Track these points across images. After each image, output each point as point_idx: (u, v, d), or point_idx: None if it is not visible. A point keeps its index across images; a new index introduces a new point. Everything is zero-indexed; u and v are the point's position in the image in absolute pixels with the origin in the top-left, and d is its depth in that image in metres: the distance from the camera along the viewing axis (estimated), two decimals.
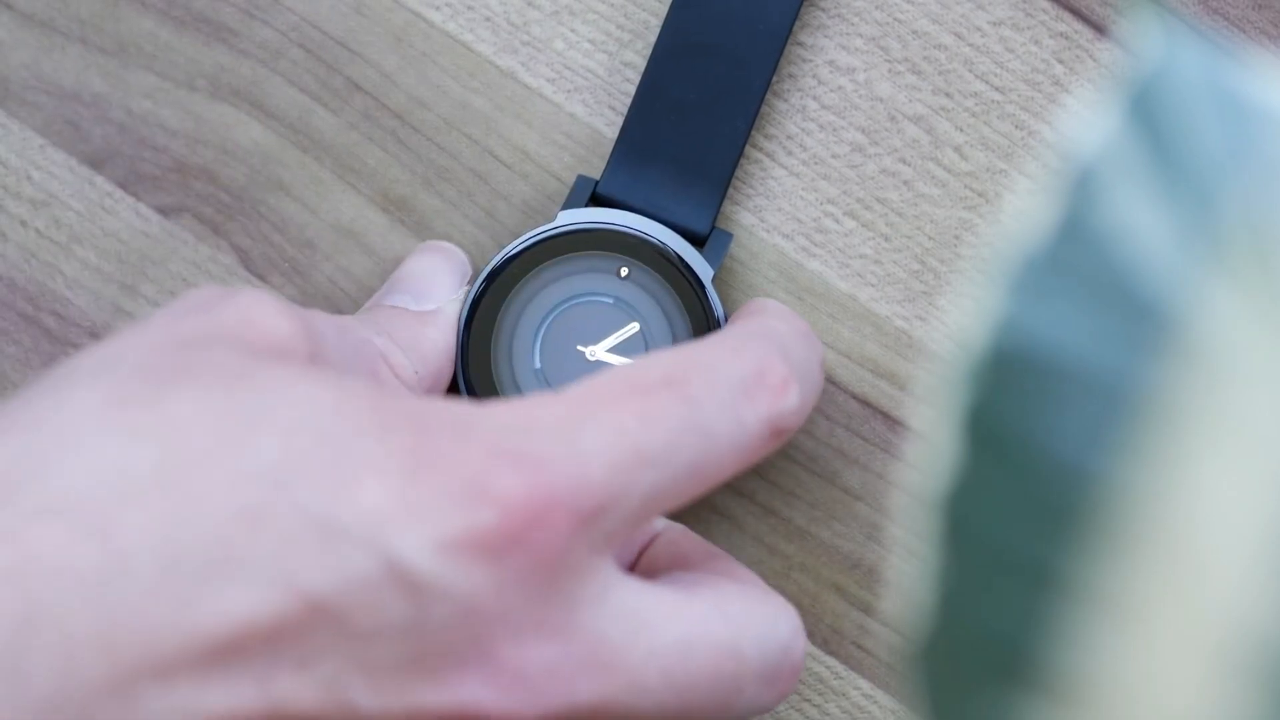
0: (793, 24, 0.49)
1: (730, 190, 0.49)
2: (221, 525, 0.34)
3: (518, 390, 0.48)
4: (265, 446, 0.35)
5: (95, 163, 0.50)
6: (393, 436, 0.36)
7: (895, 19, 0.50)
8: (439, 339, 0.47)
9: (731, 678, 0.39)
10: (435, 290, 0.47)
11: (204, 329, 0.38)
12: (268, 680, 0.34)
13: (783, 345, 0.41)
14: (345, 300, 0.50)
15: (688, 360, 0.40)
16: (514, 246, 0.48)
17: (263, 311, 0.39)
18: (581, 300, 0.48)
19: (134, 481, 0.34)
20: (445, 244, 0.49)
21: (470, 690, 0.36)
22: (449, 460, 0.36)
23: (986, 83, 0.50)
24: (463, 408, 0.38)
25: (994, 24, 0.50)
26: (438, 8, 0.50)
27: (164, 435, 0.35)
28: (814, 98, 0.50)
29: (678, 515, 0.48)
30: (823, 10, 0.50)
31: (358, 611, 0.35)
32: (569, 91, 0.50)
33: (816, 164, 0.50)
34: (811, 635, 0.49)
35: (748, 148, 0.50)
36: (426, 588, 0.35)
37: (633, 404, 0.38)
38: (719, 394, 0.39)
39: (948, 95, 0.50)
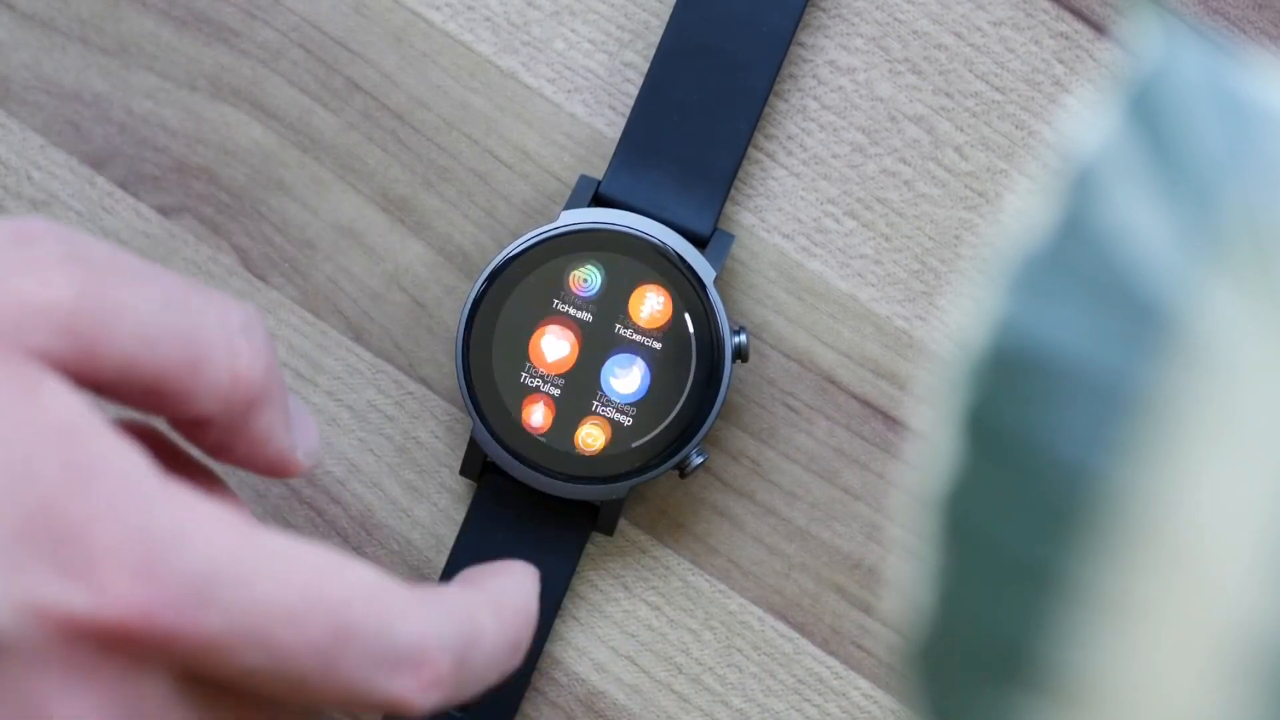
0: (796, 26, 0.49)
1: (731, 190, 0.49)
2: None
3: (518, 392, 0.48)
4: None
5: (96, 163, 0.50)
6: (29, 482, 0.36)
7: (896, 19, 0.50)
8: (284, 446, 0.42)
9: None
10: (308, 436, 0.44)
11: None
12: None
13: (469, 647, 0.40)
14: (346, 299, 0.50)
15: (375, 597, 0.38)
16: (515, 246, 0.48)
17: (29, 278, 0.38)
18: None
19: None
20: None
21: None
22: (76, 527, 0.36)
23: (987, 83, 0.50)
24: (140, 475, 0.37)
25: (994, 24, 0.50)
26: (438, 8, 0.50)
27: None
28: (814, 98, 0.50)
29: (675, 517, 0.48)
30: (823, 10, 0.50)
31: None
32: (569, 91, 0.50)
33: (817, 164, 0.50)
34: (811, 635, 0.49)
35: (748, 148, 0.49)
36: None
37: (294, 597, 0.37)
38: (372, 648, 0.38)
39: (948, 95, 0.50)
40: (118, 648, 0.36)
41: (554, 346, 0.48)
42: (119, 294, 0.37)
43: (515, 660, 0.41)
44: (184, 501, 0.37)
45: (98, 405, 0.37)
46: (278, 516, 0.50)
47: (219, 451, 0.41)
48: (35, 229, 0.38)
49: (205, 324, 0.39)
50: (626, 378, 0.48)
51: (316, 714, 0.41)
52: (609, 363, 0.48)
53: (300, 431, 0.42)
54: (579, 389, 0.48)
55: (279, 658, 0.37)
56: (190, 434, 0.40)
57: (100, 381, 0.38)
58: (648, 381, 0.48)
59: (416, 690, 0.38)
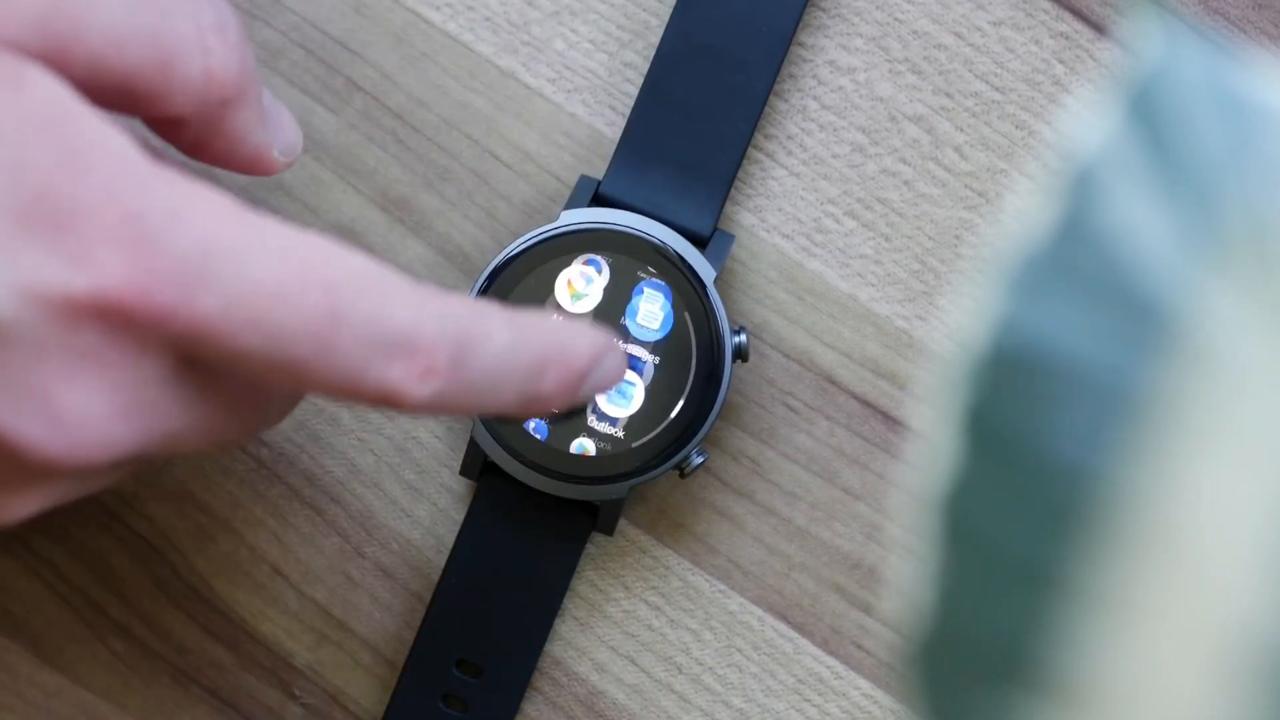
0: (796, 27, 0.49)
1: (730, 190, 0.49)
2: None
3: None
4: None
5: None
6: (21, 169, 0.36)
7: (895, 19, 0.50)
8: (259, 142, 0.42)
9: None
10: (285, 135, 0.44)
11: None
12: None
13: (469, 346, 0.39)
14: None
15: (370, 281, 0.38)
16: (515, 246, 0.48)
17: None
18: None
19: None
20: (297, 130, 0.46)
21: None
22: (71, 210, 0.36)
23: (987, 83, 0.50)
24: (131, 156, 0.37)
25: (994, 24, 0.50)
26: (438, 8, 0.50)
27: None
28: (814, 98, 0.50)
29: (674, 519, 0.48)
30: (823, 10, 0.50)
31: None
32: (569, 91, 0.50)
33: (817, 164, 0.50)
34: (811, 635, 0.49)
35: (748, 148, 0.49)
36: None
37: (288, 278, 0.37)
38: (366, 331, 0.38)
39: (948, 95, 0.50)
40: (116, 329, 0.36)
41: None
42: None
43: (543, 383, 0.40)
44: (178, 183, 0.37)
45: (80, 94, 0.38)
46: (278, 516, 0.50)
47: (195, 150, 0.41)
48: None
49: (176, 23, 0.39)
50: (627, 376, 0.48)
51: (296, 402, 0.42)
52: None
53: (277, 130, 0.43)
54: None
55: (274, 338, 0.37)
56: (166, 133, 0.41)
57: (72, 79, 0.38)
58: (648, 382, 0.48)
59: (411, 379, 0.38)
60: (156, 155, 0.39)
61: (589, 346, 0.41)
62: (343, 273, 0.38)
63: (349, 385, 0.38)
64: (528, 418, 0.47)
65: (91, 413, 0.37)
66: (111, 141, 0.37)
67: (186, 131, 0.40)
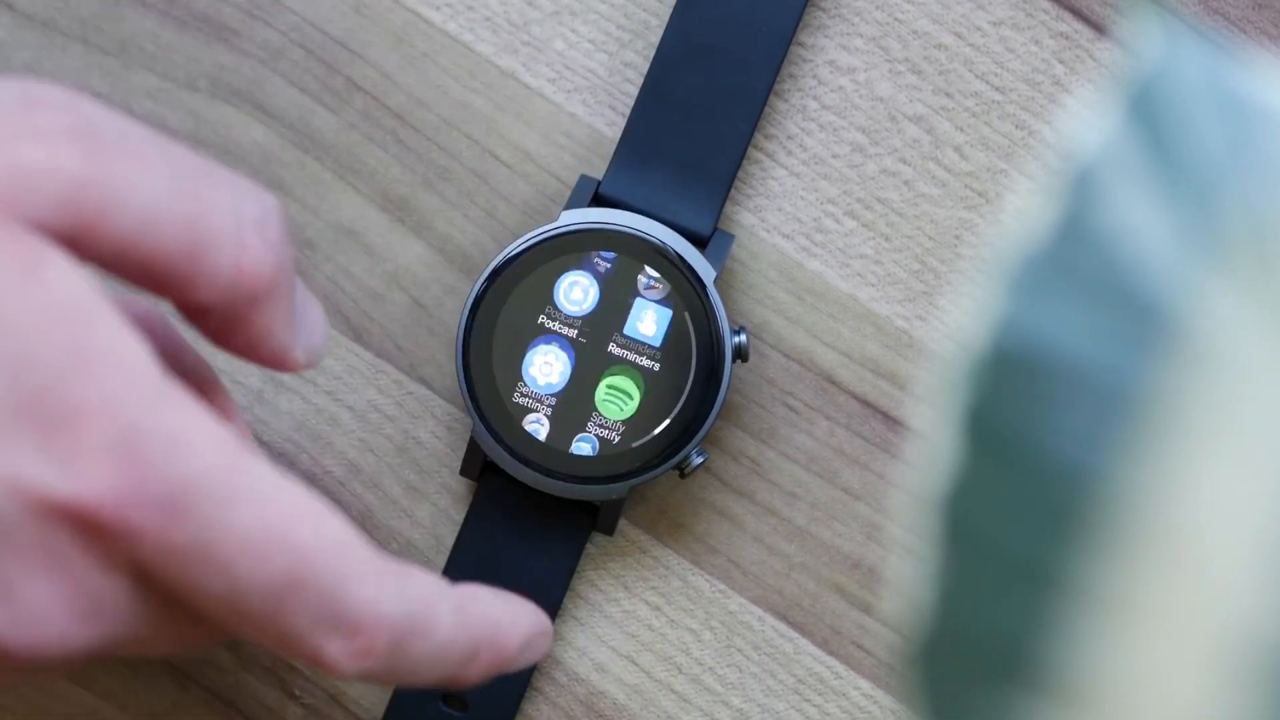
0: (796, 27, 0.49)
1: (730, 190, 0.49)
2: None
3: (518, 392, 0.48)
4: None
5: None
6: (30, 368, 0.36)
7: (896, 19, 0.50)
8: (285, 341, 0.41)
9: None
10: (314, 333, 0.42)
11: None
12: None
13: (415, 630, 0.39)
14: (346, 299, 0.50)
15: (340, 550, 0.38)
16: (515, 246, 0.48)
17: (35, 145, 0.37)
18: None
19: None
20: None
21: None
22: (71, 415, 0.36)
23: (987, 83, 0.50)
24: (144, 371, 0.36)
25: (994, 24, 0.50)
26: (438, 8, 0.50)
27: None
28: (814, 98, 0.50)
29: (682, 521, 0.48)
30: (823, 10, 0.50)
31: None
32: (569, 91, 0.50)
33: (817, 164, 0.50)
34: (812, 635, 0.49)
35: (748, 148, 0.49)
36: None
37: (266, 526, 0.37)
38: (320, 600, 0.38)
39: (948, 95, 0.50)
40: (88, 536, 0.36)
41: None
42: (126, 170, 0.37)
43: (470, 668, 0.41)
44: (181, 405, 0.36)
45: (103, 285, 0.37)
46: None
47: (217, 338, 0.40)
48: (46, 95, 0.37)
49: (215, 211, 0.38)
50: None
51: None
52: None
53: (305, 329, 0.41)
54: None
55: (232, 588, 0.37)
56: (189, 316, 0.40)
57: (98, 258, 0.37)
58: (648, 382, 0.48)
59: (344, 656, 0.38)
60: (169, 371, 0.38)
61: (523, 632, 0.42)
62: (314, 539, 0.37)
63: (284, 644, 0.38)
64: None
65: (52, 610, 0.36)
66: (125, 349, 0.36)
67: (209, 320, 0.39)
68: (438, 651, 0.40)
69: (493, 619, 0.41)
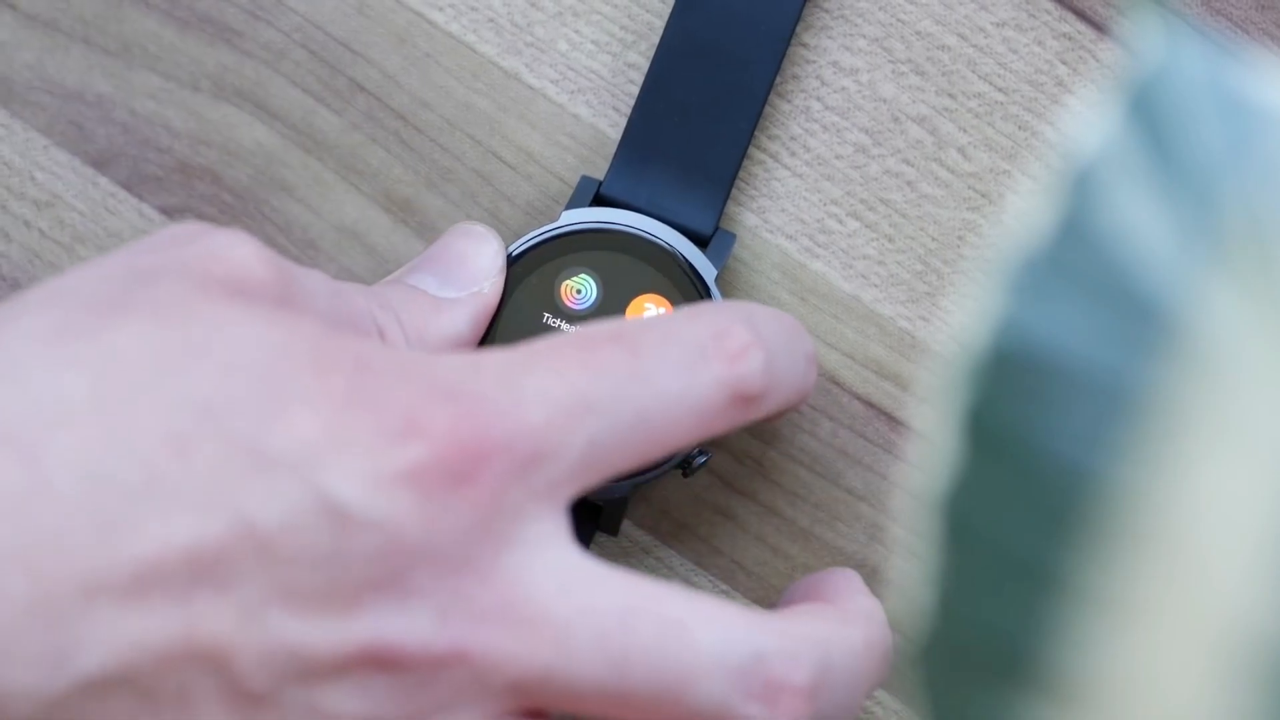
0: (795, 25, 0.49)
1: (733, 191, 0.49)
2: (150, 451, 0.34)
3: None
4: (199, 378, 0.35)
5: (99, 163, 0.50)
6: (331, 373, 0.36)
7: (899, 20, 0.50)
8: (450, 330, 0.44)
9: (679, 663, 0.37)
10: (462, 277, 0.45)
11: (163, 262, 0.38)
12: (187, 604, 0.34)
13: (750, 316, 0.40)
14: None
15: (641, 321, 0.39)
16: (516, 246, 0.48)
17: (235, 250, 0.38)
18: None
19: (66, 409, 0.35)
20: (482, 229, 0.47)
21: (382, 620, 0.35)
22: (385, 396, 0.36)
23: (990, 83, 0.50)
24: (408, 353, 0.38)
25: (997, 25, 0.50)
26: (441, 9, 0.50)
27: (100, 365, 0.35)
28: (817, 98, 0.50)
29: (667, 515, 0.48)
30: (826, 11, 0.50)
31: (283, 539, 0.35)
32: (573, 93, 0.50)
33: (820, 165, 0.50)
34: None
35: (751, 148, 0.49)
36: (353, 518, 0.35)
37: (578, 354, 0.38)
38: (670, 351, 0.38)
39: (951, 96, 0.50)
40: (473, 478, 0.36)
41: None
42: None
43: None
44: (450, 358, 0.37)
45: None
46: None
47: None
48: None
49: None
50: None
51: None
52: None
53: (464, 278, 0.45)
54: None
55: (609, 427, 0.37)
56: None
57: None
58: None
59: (737, 359, 0.39)
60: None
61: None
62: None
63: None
64: None
65: None
66: (402, 351, 0.38)
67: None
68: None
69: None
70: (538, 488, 0.36)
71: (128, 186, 0.50)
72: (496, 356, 0.38)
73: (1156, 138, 0.28)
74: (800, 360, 0.41)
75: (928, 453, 0.28)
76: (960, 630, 0.27)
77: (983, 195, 0.50)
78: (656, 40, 0.50)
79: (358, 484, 0.35)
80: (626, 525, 0.49)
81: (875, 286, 0.50)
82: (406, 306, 0.44)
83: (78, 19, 0.50)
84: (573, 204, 0.49)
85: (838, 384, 0.49)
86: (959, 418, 0.28)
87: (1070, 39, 0.50)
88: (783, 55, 0.49)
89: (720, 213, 0.49)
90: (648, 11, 0.50)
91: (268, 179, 0.50)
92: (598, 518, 0.49)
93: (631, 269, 0.48)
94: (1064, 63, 0.50)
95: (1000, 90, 0.50)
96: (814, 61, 0.50)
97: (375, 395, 0.36)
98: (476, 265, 0.45)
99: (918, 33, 0.50)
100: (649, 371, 0.38)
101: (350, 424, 0.35)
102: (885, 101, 0.50)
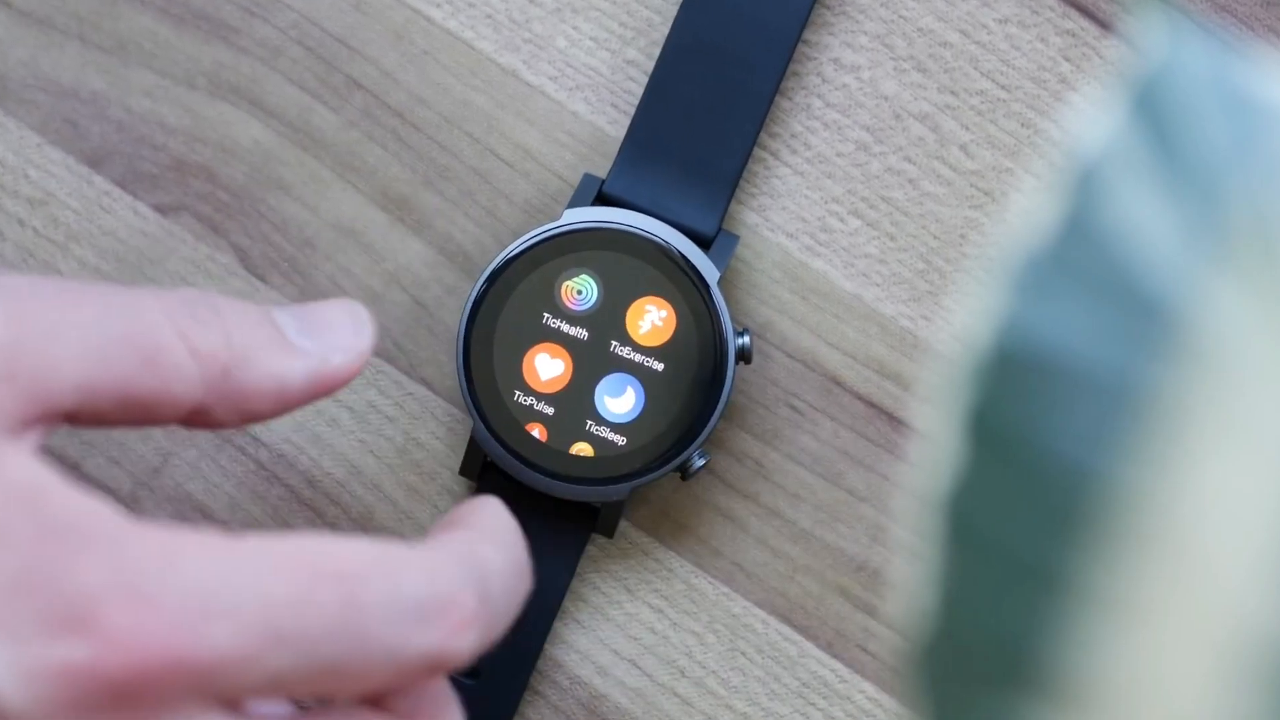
0: (803, 28, 0.49)
1: (735, 191, 0.49)
2: None
3: (519, 392, 0.48)
4: None
5: (93, 161, 0.50)
6: (6, 548, 0.35)
7: (900, 16, 0.50)
8: (282, 371, 0.40)
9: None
10: (323, 337, 0.41)
11: None
12: None
13: (485, 580, 0.38)
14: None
15: (376, 560, 0.37)
16: (516, 246, 0.48)
17: None
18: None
19: None
20: (366, 316, 0.43)
21: None
22: (60, 581, 0.35)
23: (992, 80, 0.49)
24: (109, 519, 0.36)
25: (1000, 21, 0.49)
26: (438, 5, 0.50)
27: None
28: (819, 96, 0.50)
29: (667, 512, 0.48)
30: (828, 8, 0.50)
31: None
32: (571, 89, 0.50)
33: (821, 162, 0.50)
34: (816, 638, 0.49)
35: (753, 148, 0.49)
36: (5, 710, 0.34)
37: (292, 580, 0.36)
38: (392, 608, 0.37)
39: (953, 93, 0.49)
40: (137, 695, 0.35)
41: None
42: (50, 319, 0.37)
43: (526, 585, 0.40)
44: (158, 533, 0.36)
45: (51, 461, 0.37)
46: (277, 518, 0.49)
47: (242, 419, 0.39)
48: None
49: (142, 316, 0.38)
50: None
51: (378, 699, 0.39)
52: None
53: (321, 336, 0.40)
54: None
55: (301, 648, 0.35)
56: (204, 425, 0.39)
57: (66, 412, 0.37)
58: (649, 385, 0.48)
59: (452, 635, 0.37)
60: (132, 513, 0.37)
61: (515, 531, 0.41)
62: (346, 560, 0.36)
63: (394, 669, 0.36)
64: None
65: None
66: (88, 506, 0.35)
67: (216, 413, 0.39)
68: (506, 584, 0.39)
69: (506, 523, 0.41)
70: (204, 695, 0.35)
71: (122, 185, 0.50)
72: (207, 551, 0.36)
73: (1160, 135, 0.28)
74: (515, 604, 0.40)
75: (930, 453, 0.28)
76: (963, 632, 0.27)
77: (985, 193, 0.49)
78: (656, 36, 0.50)
79: (9, 675, 0.34)
80: (626, 527, 0.49)
81: (877, 285, 0.49)
82: (249, 328, 0.40)
83: (72, 16, 0.50)
84: (575, 202, 0.48)
85: (839, 384, 0.49)
86: (962, 417, 0.27)
87: (1074, 35, 0.49)
88: (790, 58, 0.49)
89: (723, 214, 0.48)
90: (646, 8, 0.50)
91: (264, 177, 0.50)
92: (594, 520, 0.49)
93: (633, 270, 0.48)
94: (1067, 59, 0.49)
95: (1003, 87, 0.49)
96: (815, 58, 0.50)
97: (48, 578, 0.35)
98: (341, 336, 0.42)
99: (920, 29, 0.50)
100: (361, 625, 0.36)
101: (11, 610, 0.34)
102: (887, 99, 0.50)
